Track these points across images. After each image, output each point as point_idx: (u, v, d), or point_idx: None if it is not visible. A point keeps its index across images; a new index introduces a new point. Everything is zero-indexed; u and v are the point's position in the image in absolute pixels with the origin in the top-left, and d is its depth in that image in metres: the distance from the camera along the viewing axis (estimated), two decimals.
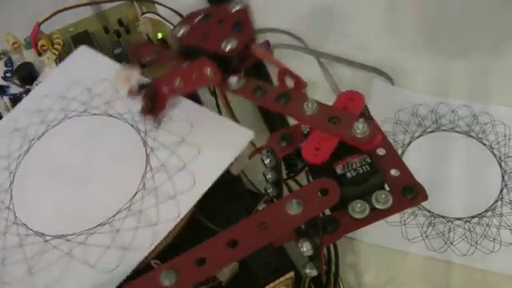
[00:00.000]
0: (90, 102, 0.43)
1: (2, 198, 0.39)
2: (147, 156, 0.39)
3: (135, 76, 0.39)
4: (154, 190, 0.37)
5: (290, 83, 0.37)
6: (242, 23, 0.37)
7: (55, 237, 0.37)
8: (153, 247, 0.35)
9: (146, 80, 0.40)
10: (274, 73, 0.55)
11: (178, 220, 0.36)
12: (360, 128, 0.31)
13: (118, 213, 0.37)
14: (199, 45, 0.37)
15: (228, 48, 0.35)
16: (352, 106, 0.33)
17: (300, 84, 0.36)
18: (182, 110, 0.41)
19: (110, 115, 0.42)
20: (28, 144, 0.42)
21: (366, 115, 0.33)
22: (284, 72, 0.37)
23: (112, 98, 0.42)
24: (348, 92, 0.34)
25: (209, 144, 0.39)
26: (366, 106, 0.34)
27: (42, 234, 0.37)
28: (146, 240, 0.35)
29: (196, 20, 0.39)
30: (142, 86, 0.39)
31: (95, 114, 0.42)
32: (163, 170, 0.38)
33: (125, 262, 0.35)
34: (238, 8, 0.38)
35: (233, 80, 0.36)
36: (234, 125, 0.40)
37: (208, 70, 0.36)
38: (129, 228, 0.36)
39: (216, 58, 0.36)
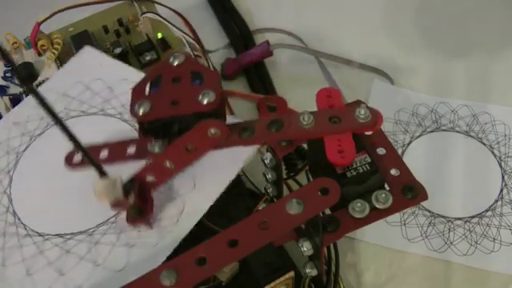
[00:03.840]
0: (90, 101, 0.43)
1: (1, 197, 0.39)
2: None
3: (119, 181, 0.33)
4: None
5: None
6: (199, 72, 0.35)
7: (54, 236, 0.37)
8: (158, 244, 0.35)
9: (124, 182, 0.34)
10: (274, 73, 0.55)
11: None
12: (363, 113, 0.31)
13: (118, 213, 0.37)
14: (170, 114, 0.34)
15: (206, 101, 0.33)
16: (335, 101, 0.33)
17: (282, 103, 0.36)
18: None
19: (109, 114, 0.42)
20: (27, 142, 0.42)
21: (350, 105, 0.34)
22: (263, 101, 0.36)
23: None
24: (323, 90, 0.34)
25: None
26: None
27: (41, 234, 0.37)
28: (151, 237, 0.35)
29: (147, 91, 0.35)
30: (126, 191, 0.34)
31: (95, 114, 0.42)
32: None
33: (132, 260, 0.34)
34: (180, 61, 0.35)
35: (215, 131, 0.33)
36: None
37: (212, 131, 0.33)
38: (132, 228, 0.36)
39: (197, 119, 0.33)
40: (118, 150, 0.36)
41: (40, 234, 0.37)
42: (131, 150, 0.36)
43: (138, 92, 0.35)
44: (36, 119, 0.42)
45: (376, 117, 0.32)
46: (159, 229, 0.35)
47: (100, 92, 0.43)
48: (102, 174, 0.32)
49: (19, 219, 0.38)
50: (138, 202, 0.34)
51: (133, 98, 0.35)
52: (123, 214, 0.36)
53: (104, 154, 0.37)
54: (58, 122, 0.29)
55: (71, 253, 0.36)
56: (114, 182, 0.32)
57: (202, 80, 0.34)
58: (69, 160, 0.38)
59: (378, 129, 0.33)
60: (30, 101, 0.44)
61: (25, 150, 0.41)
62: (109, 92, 0.43)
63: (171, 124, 0.34)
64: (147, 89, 0.36)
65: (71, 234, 0.37)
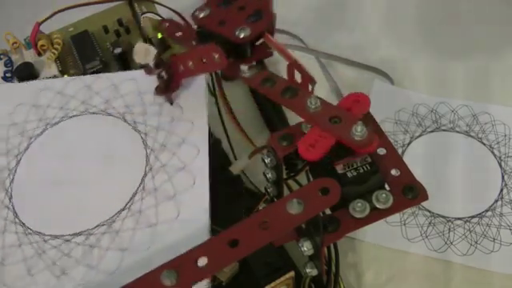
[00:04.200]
0: (90, 100, 0.43)
1: (2, 196, 0.39)
2: (147, 157, 0.39)
3: (153, 52, 0.39)
4: (154, 190, 0.37)
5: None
6: (262, 13, 0.37)
7: (54, 237, 0.37)
8: (151, 248, 0.35)
9: (163, 57, 0.41)
10: (274, 72, 0.55)
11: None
12: (358, 131, 0.31)
13: (117, 213, 0.37)
14: (215, 29, 0.37)
15: (241, 36, 0.36)
16: (357, 107, 0.33)
17: (308, 80, 0.36)
18: (181, 108, 0.41)
19: (110, 114, 0.42)
20: (27, 142, 0.42)
21: (369, 119, 0.33)
22: (294, 66, 0.37)
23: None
24: (356, 94, 0.34)
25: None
26: (368, 112, 0.34)
27: (41, 234, 0.37)
28: (144, 241, 0.35)
29: (218, 3, 0.39)
30: (158, 64, 0.40)
31: (95, 113, 0.42)
32: (163, 170, 0.38)
33: (124, 263, 0.35)
34: None
35: (243, 68, 0.37)
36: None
37: (215, 56, 0.36)
38: (128, 229, 0.36)
39: (229, 45, 0.36)
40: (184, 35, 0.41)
41: (39, 234, 0.37)
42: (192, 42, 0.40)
43: (208, 3, 0.39)
44: (35, 120, 0.42)
45: (370, 140, 0.31)
46: (153, 232, 0.36)
47: (99, 90, 0.43)
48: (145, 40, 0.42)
49: (19, 218, 0.38)
50: (166, 79, 0.40)
51: (204, 4, 0.39)
52: (121, 216, 0.36)
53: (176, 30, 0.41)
54: None
55: (68, 255, 0.36)
56: (149, 49, 0.39)
57: (259, 18, 0.37)
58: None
59: (371, 151, 0.32)
60: (26, 98, 0.44)
61: (26, 149, 0.41)
62: (106, 90, 0.43)
63: (214, 38, 0.37)
64: (219, 3, 0.39)
65: (69, 235, 0.37)
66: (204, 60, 0.38)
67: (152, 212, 0.36)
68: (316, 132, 0.32)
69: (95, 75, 0.45)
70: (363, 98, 0.34)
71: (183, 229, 0.35)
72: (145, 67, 0.40)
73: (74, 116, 0.42)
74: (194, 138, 0.39)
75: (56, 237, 0.37)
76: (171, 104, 0.41)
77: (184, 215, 0.36)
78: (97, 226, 0.36)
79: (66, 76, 0.47)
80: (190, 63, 0.39)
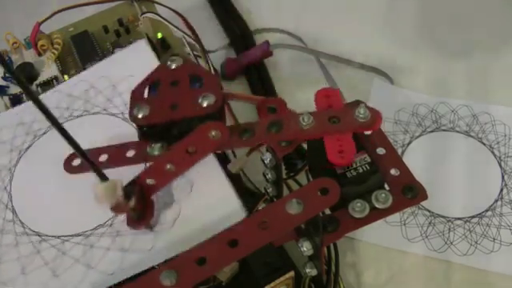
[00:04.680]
0: (92, 100, 0.43)
1: (1, 195, 0.39)
2: None
3: (119, 184, 0.32)
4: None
5: None
6: (198, 75, 0.35)
7: (52, 237, 0.37)
8: (152, 250, 0.34)
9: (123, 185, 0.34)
10: (274, 73, 0.55)
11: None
12: (362, 113, 0.31)
13: (115, 215, 0.37)
14: (170, 118, 0.34)
15: (206, 104, 0.33)
16: (333, 102, 0.33)
17: (282, 104, 0.36)
18: None
19: (112, 114, 0.42)
20: (30, 141, 0.42)
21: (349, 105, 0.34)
22: (262, 102, 0.36)
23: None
24: (321, 90, 0.34)
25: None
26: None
27: (38, 234, 0.37)
28: (146, 243, 0.35)
29: (145, 94, 0.35)
30: (127, 194, 0.33)
31: (97, 114, 0.42)
32: None
33: (124, 264, 0.34)
34: (178, 64, 0.36)
35: (214, 133, 0.33)
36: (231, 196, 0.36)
37: (213, 133, 0.33)
38: (127, 230, 0.36)
39: (198, 122, 0.33)
40: (117, 154, 0.36)
41: (38, 234, 0.37)
42: (131, 153, 0.36)
43: (136, 95, 0.36)
44: (41, 120, 0.43)
45: (375, 116, 0.32)
46: (154, 233, 0.35)
47: (102, 89, 0.43)
48: (102, 177, 0.32)
49: (17, 217, 0.38)
50: (139, 206, 0.34)
51: (132, 102, 0.35)
52: (120, 217, 0.36)
53: (104, 157, 0.37)
54: (56, 126, 0.29)
55: (67, 255, 0.36)
56: (115, 185, 0.32)
57: (201, 83, 0.35)
58: (68, 164, 0.37)
59: (378, 128, 0.32)
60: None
61: (27, 148, 0.41)
62: (112, 90, 0.43)
63: (170, 127, 0.34)
64: (146, 92, 0.36)
65: (68, 235, 0.36)
66: (190, 150, 0.33)
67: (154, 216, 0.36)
68: (331, 138, 0.32)
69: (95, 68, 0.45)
70: (331, 92, 0.34)
71: (182, 229, 0.35)
72: (112, 208, 0.33)
73: (77, 116, 0.42)
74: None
75: (54, 237, 0.37)
76: (151, 230, 0.35)
77: (182, 217, 0.36)
78: (96, 227, 0.36)
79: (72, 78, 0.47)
80: (168, 166, 0.33)
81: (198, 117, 0.33)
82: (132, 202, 0.33)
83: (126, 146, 0.36)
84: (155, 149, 0.35)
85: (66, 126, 0.39)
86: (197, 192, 0.36)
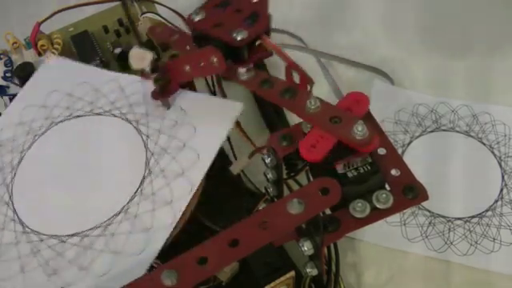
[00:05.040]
0: (96, 101, 0.43)
1: (2, 193, 0.39)
2: (147, 160, 0.39)
3: (149, 57, 0.39)
4: (152, 195, 0.37)
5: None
6: (258, 15, 0.37)
7: (50, 236, 0.37)
8: (144, 253, 0.35)
9: (159, 62, 0.41)
10: (274, 73, 0.55)
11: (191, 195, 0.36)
12: (359, 130, 0.31)
13: (114, 216, 0.37)
14: (212, 32, 0.37)
15: (238, 38, 0.36)
16: (356, 107, 0.33)
17: (306, 81, 0.36)
18: (185, 112, 0.41)
19: (115, 115, 0.42)
20: (31, 140, 0.42)
21: (368, 118, 0.33)
22: (292, 67, 0.37)
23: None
24: (354, 93, 0.34)
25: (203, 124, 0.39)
26: (368, 111, 0.34)
27: (38, 233, 0.37)
28: (138, 245, 0.35)
29: (213, 6, 0.39)
30: (154, 69, 0.40)
31: (99, 114, 0.42)
32: (162, 175, 0.38)
33: (116, 267, 0.34)
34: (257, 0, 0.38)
35: (241, 71, 0.36)
36: (221, 100, 0.41)
37: (214, 59, 0.36)
38: (123, 232, 0.36)
39: (226, 48, 0.36)
40: (182, 42, 0.41)
41: (37, 233, 0.37)
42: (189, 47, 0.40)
43: (208, 3, 0.39)
44: (41, 118, 0.42)
45: (371, 139, 0.31)
46: (147, 237, 0.35)
47: (107, 92, 0.43)
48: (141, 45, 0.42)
49: (18, 216, 0.38)
50: (162, 83, 0.40)
51: (200, 6, 0.39)
52: (116, 219, 0.36)
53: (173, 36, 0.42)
54: None
55: (63, 255, 0.36)
56: (145, 54, 0.39)
57: (255, 21, 0.37)
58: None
59: (371, 151, 0.32)
60: (33, 100, 0.44)
61: (29, 147, 0.41)
62: (113, 92, 0.43)
63: (209, 41, 0.37)
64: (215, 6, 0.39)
65: (66, 235, 0.36)
66: (202, 64, 0.37)
67: (148, 217, 0.36)
68: (317, 132, 0.32)
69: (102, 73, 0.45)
70: (362, 97, 0.34)
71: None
72: (141, 72, 0.40)
73: (78, 116, 0.42)
74: (194, 144, 0.39)
75: (52, 236, 0.37)
76: (168, 108, 0.41)
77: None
78: (92, 228, 0.36)
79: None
80: (187, 67, 0.39)
81: (226, 44, 0.36)
82: (156, 75, 0.39)
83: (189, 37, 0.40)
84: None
85: (68, 124, 0.40)
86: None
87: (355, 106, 0.33)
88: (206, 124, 0.39)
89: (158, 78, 0.40)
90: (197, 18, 0.38)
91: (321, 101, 0.33)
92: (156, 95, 0.41)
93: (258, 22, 0.37)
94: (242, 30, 0.36)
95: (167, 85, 0.40)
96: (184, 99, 0.41)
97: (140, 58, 0.39)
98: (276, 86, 0.35)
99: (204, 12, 0.38)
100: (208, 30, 0.37)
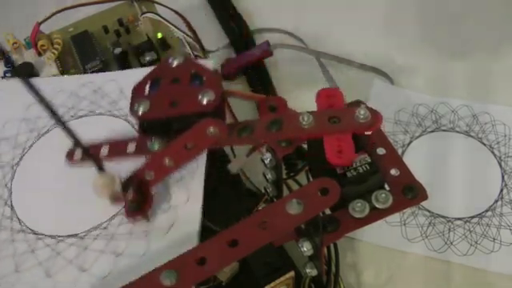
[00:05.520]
0: (99, 101, 0.43)
1: (1, 190, 0.39)
2: None
3: (117, 178, 0.35)
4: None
5: None
6: (199, 73, 0.35)
7: (46, 236, 0.37)
8: (145, 255, 0.34)
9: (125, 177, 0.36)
10: (274, 73, 0.55)
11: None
12: (362, 114, 0.31)
13: (112, 217, 0.37)
14: (169, 114, 0.34)
15: (205, 101, 0.34)
16: (335, 102, 0.34)
17: (283, 103, 0.36)
18: None
19: (115, 115, 0.42)
20: (34, 138, 0.42)
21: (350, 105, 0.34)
22: (263, 101, 0.36)
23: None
24: (323, 91, 0.34)
25: None
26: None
27: (35, 232, 0.37)
28: (139, 248, 0.35)
29: (147, 90, 0.36)
30: (125, 185, 0.35)
31: (101, 114, 0.42)
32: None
33: (115, 269, 0.34)
34: (179, 62, 0.36)
35: (214, 131, 0.33)
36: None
37: (211, 129, 0.33)
38: (123, 234, 0.36)
39: (197, 119, 0.33)
40: (118, 148, 0.37)
41: (34, 232, 0.37)
42: (131, 147, 0.37)
43: (138, 91, 0.36)
44: (45, 117, 0.42)
45: (375, 117, 0.32)
46: (148, 239, 0.35)
47: (108, 92, 0.43)
48: (101, 169, 0.34)
49: (16, 214, 0.38)
50: (137, 198, 0.35)
51: (133, 97, 0.36)
52: (115, 221, 0.36)
53: (104, 151, 0.37)
54: (57, 119, 0.31)
55: (61, 255, 0.36)
56: (113, 177, 0.34)
57: (201, 80, 0.35)
58: (70, 156, 0.38)
59: (378, 128, 0.33)
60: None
61: (31, 146, 0.41)
62: (113, 92, 0.43)
63: (170, 123, 0.35)
64: (147, 88, 0.36)
65: (63, 236, 0.36)
66: (188, 146, 0.34)
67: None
68: (331, 138, 0.32)
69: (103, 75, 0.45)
70: (333, 91, 0.34)
71: (174, 239, 0.35)
72: (111, 197, 0.35)
73: (81, 116, 0.42)
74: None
75: (49, 236, 0.36)
76: (147, 221, 0.36)
77: (177, 227, 0.35)
78: (90, 229, 0.36)
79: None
80: (167, 161, 0.34)
81: (198, 114, 0.34)
82: (130, 195, 0.35)
83: (126, 141, 0.37)
84: (155, 144, 0.35)
85: (71, 124, 0.40)
86: (194, 201, 0.36)
87: (333, 101, 0.34)
88: None
89: (132, 200, 0.35)
90: (141, 111, 0.35)
91: (310, 113, 0.33)
92: (133, 215, 0.35)
93: (205, 79, 0.35)
94: (203, 92, 0.34)
95: (144, 197, 0.35)
96: None
97: (108, 184, 0.34)
98: (257, 127, 0.34)
99: (143, 101, 0.35)
100: (162, 114, 0.34)
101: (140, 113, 0.35)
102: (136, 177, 0.35)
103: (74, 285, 0.34)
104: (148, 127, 0.36)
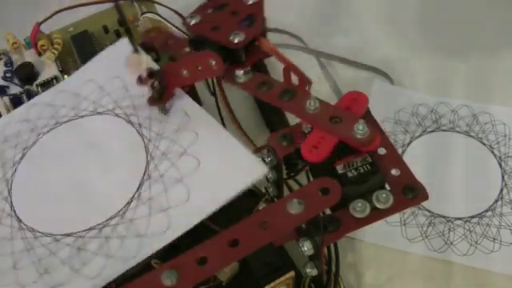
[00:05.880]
0: (100, 101, 0.43)
1: (1, 187, 0.39)
2: (147, 164, 0.38)
3: (145, 62, 0.39)
4: (149, 200, 0.37)
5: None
6: (254, 17, 0.37)
7: (44, 234, 0.37)
8: (137, 259, 0.34)
9: (155, 67, 0.40)
10: (274, 73, 0.55)
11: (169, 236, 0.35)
12: (360, 129, 0.31)
13: (109, 219, 0.37)
14: (209, 35, 0.37)
15: (236, 41, 0.36)
16: (355, 106, 0.33)
17: (304, 82, 0.36)
18: (189, 118, 0.40)
19: (118, 115, 0.42)
20: (35, 137, 0.42)
21: (368, 118, 0.33)
22: (289, 68, 0.37)
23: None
24: (353, 92, 0.34)
25: (211, 163, 0.37)
26: (368, 110, 0.34)
27: (33, 230, 0.37)
28: (131, 251, 0.35)
29: (209, 9, 0.39)
30: (151, 74, 0.39)
31: (104, 114, 0.42)
32: (161, 180, 0.37)
33: (108, 271, 0.34)
34: (252, 1, 0.38)
35: (239, 73, 0.36)
36: (246, 154, 0.37)
37: (212, 62, 0.36)
38: (118, 236, 0.36)
39: (223, 50, 0.36)
40: (176, 45, 0.41)
41: (32, 230, 0.37)
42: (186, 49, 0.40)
43: (204, 7, 0.39)
44: (46, 117, 0.42)
45: (373, 137, 0.31)
46: (141, 242, 0.35)
47: (110, 91, 0.43)
48: (136, 49, 0.41)
49: (15, 211, 0.38)
50: (159, 89, 0.39)
51: (196, 10, 0.39)
52: (111, 222, 0.36)
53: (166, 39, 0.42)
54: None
55: (56, 254, 0.36)
56: (141, 59, 0.40)
57: (251, 23, 0.37)
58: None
59: (374, 150, 0.32)
60: (43, 98, 0.44)
61: (32, 145, 0.41)
62: (116, 91, 0.43)
63: (207, 45, 0.37)
64: (211, 9, 0.39)
65: (60, 235, 0.36)
66: (199, 68, 0.37)
67: (144, 222, 0.36)
68: (318, 133, 0.32)
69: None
70: (361, 96, 0.34)
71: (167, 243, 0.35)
72: (138, 78, 0.40)
73: (82, 116, 0.42)
74: (195, 150, 0.38)
75: (46, 235, 0.36)
76: (165, 114, 0.40)
77: (173, 229, 0.35)
78: (87, 230, 0.36)
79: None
80: (185, 72, 0.39)
81: (222, 47, 0.36)
82: (155, 83, 0.39)
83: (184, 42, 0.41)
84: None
85: (72, 125, 0.39)
86: (193, 202, 0.36)
87: (354, 105, 0.33)
88: (209, 134, 0.38)
89: (155, 84, 0.40)
90: (193, 22, 0.38)
91: (320, 101, 0.33)
92: (153, 101, 0.40)
93: (254, 23, 0.37)
94: (238, 32, 0.36)
95: (164, 90, 0.40)
96: (200, 123, 0.39)
97: (136, 63, 0.39)
98: (274, 87, 0.35)
99: (200, 15, 0.38)
100: (205, 33, 0.37)
101: (190, 23, 0.38)
102: (162, 71, 0.40)
103: (66, 284, 0.34)
104: (194, 39, 0.39)
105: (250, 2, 0.38)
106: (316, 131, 0.32)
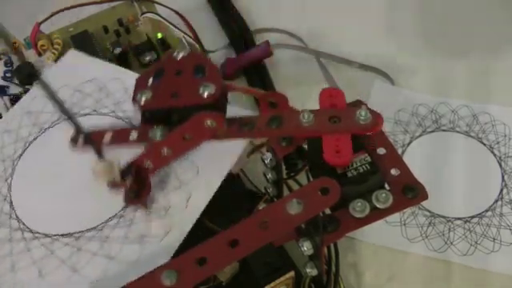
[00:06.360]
0: (102, 101, 0.43)
1: (1, 186, 0.39)
2: None
3: (115, 165, 0.35)
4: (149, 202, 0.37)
5: None
6: (202, 66, 0.35)
7: (43, 235, 0.36)
8: (138, 261, 0.34)
9: (125, 164, 0.37)
10: (274, 73, 0.55)
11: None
12: (363, 115, 0.31)
13: (108, 220, 0.37)
14: (170, 105, 0.35)
15: (206, 94, 0.34)
16: (337, 101, 0.34)
17: (283, 100, 0.36)
18: None
19: (119, 117, 0.42)
20: (36, 134, 0.41)
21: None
22: (264, 96, 0.36)
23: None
24: (326, 90, 0.34)
25: (205, 160, 0.37)
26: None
27: (32, 230, 0.37)
28: (132, 253, 0.35)
29: (150, 82, 0.37)
30: (124, 172, 0.36)
31: (104, 114, 0.42)
32: (159, 186, 0.37)
33: (109, 273, 0.34)
34: (183, 55, 0.37)
35: (212, 124, 0.34)
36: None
37: (208, 122, 0.33)
38: (117, 237, 0.36)
39: (197, 111, 0.34)
40: (120, 135, 0.38)
41: (30, 230, 0.37)
42: (133, 135, 0.37)
43: (141, 82, 0.37)
44: (49, 112, 0.42)
45: (376, 118, 0.32)
46: (142, 244, 0.35)
47: (111, 92, 0.43)
48: (101, 156, 0.35)
49: (14, 211, 0.38)
50: (135, 185, 0.36)
51: (136, 87, 0.37)
52: (110, 223, 0.36)
53: (107, 137, 0.38)
54: (61, 107, 0.33)
55: (55, 255, 0.35)
56: (112, 164, 0.35)
57: (203, 73, 0.35)
58: (73, 141, 0.39)
59: (379, 131, 0.32)
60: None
61: (33, 141, 0.41)
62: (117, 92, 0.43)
63: (171, 114, 0.35)
64: (150, 80, 0.37)
65: (59, 235, 0.36)
66: (187, 136, 0.34)
67: (143, 224, 0.36)
68: (329, 138, 0.32)
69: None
70: (333, 90, 0.34)
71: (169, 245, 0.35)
72: (110, 183, 0.36)
73: (85, 114, 0.42)
74: (194, 156, 0.38)
75: (45, 235, 0.36)
76: (146, 208, 0.36)
77: (173, 233, 0.35)
78: (86, 230, 0.36)
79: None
80: (165, 151, 0.35)
81: (198, 106, 0.34)
82: (129, 182, 0.35)
83: (129, 129, 0.38)
84: (157, 132, 0.36)
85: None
86: (203, 174, 0.36)
87: (335, 100, 0.34)
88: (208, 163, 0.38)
89: (131, 188, 0.36)
90: (143, 99, 0.36)
91: (311, 111, 0.33)
92: (131, 201, 0.36)
93: (207, 71, 0.35)
94: (204, 85, 0.34)
95: (143, 185, 0.36)
96: None
97: (106, 170, 0.35)
98: (258, 122, 0.34)
99: (147, 90, 0.36)
100: (164, 104, 0.35)
101: (142, 102, 0.36)
102: (135, 165, 0.36)
103: (64, 285, 0.34)
104: (149, 117, 0.36)
105: (180, 56, 0.36)
106: (327, 137, 0.32)
